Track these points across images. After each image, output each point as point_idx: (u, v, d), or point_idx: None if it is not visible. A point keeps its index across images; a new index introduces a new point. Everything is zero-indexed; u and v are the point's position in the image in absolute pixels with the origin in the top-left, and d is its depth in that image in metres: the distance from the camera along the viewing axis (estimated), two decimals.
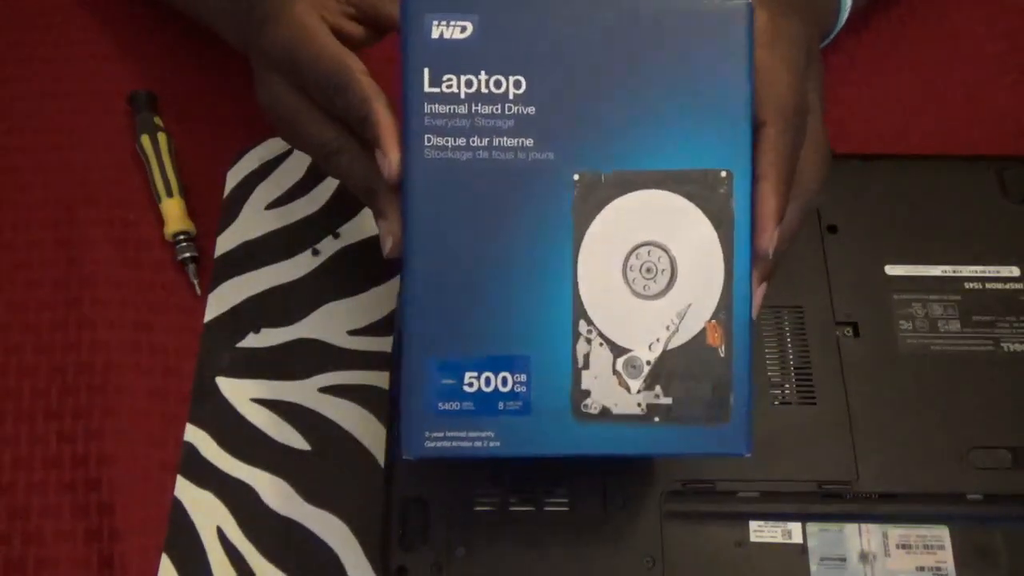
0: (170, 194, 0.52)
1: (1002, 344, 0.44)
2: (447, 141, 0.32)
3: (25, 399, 0.48)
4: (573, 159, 0.33)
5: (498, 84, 0.32)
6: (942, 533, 0.41)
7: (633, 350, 0.33)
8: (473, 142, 0.33)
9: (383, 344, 0.49)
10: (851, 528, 0.41)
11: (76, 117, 0.55)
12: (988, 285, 0.45)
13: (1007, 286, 0.45)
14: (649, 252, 0.33)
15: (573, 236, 0.33)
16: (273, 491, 0.46)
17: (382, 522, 0.41)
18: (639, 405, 0.33)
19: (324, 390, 0.48)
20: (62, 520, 0.46)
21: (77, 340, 0.49)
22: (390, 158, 0.33)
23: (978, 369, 0.43)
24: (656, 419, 0.33)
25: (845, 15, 0.47)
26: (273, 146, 0.54)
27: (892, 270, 0.46)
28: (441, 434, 0.33)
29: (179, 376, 0.48)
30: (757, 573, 0.40)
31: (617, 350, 0.33)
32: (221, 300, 0.50)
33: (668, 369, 0.33)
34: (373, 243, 0.51)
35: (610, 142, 0.33)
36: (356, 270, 0.50)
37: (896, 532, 0.41)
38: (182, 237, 0.51)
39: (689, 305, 0.33)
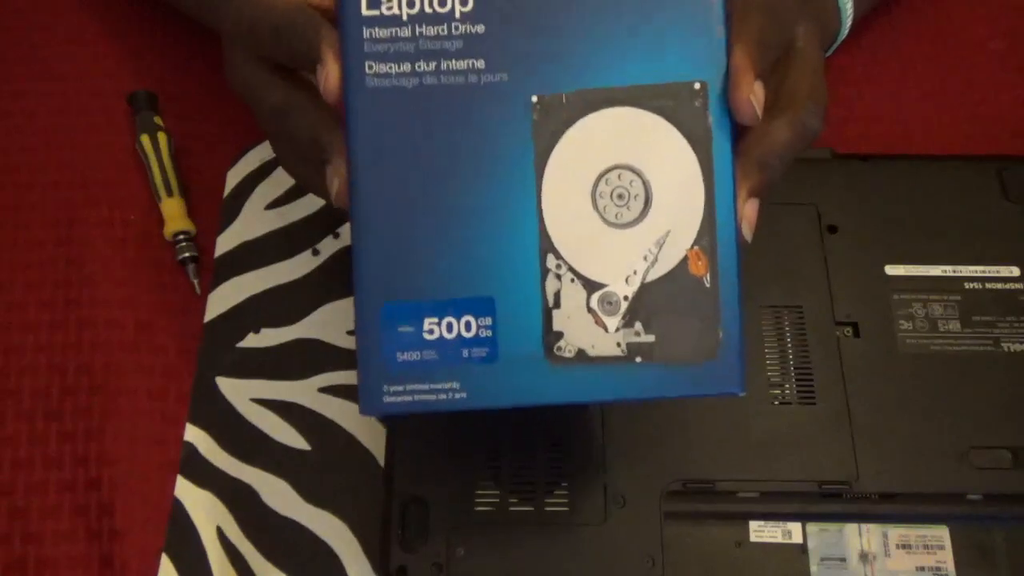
0: (170, 194, 0.52)
1: (1002, 344, 0.44)
2: (390, 68, 0.30)
3: (25, 399, 0.48)
4: (530, 80, 0.30)
5: (443, 2, 0.30)
6: (942, 533, 0.41)
7: (608, 284, 0.30)
8: (419, 67, 0.30)
9: None
10: (851, 528, 0.41)
11: (76, 117, 0.55)
12: (988, 285, 0.45)
13: (1007, 286, 0.45)
14: (620, 176, 0.30)
15: (535, 164, 0.30)
16: (273, 491, 0.46)
17: (382, 522, 0.41)
18: (618, 345, 0.30)
19: (324, 390, 0.48)
20: (62, 520, 0.46)
21: (77, 340, 0.49)
22: (327, 68, 0.30)
23: (978, 369, 0.43)
24: (638, 359, 0.30)
25: (846, 32, 0.47)
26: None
27: (892, 270, 0.46)
28: (401, 387, 0.30)
29: (179, 376, 0.48)
30: (757, 573, 0.40)
31: (591, 285, 0.30)
32: (221, 300, 0.50)
33: (648, 304, 0.30)
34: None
35: (570, 58, 0.30)
36: None
37: (896, 532, 0.41)
38: (182, 237, 0.51)
39: (668, 232, 0.30)
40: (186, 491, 0.46)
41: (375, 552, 0.43)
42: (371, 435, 0.47)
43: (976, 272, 0.45)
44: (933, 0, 0.57)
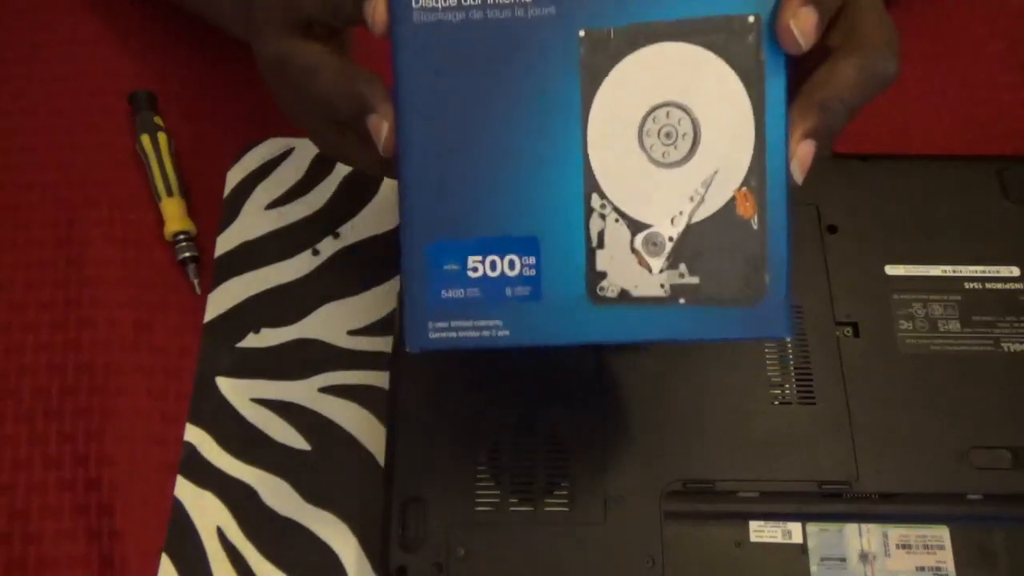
0: (170, 194, 0.52)
1: (1002, 344, 0.44)
2: (436, 3, 0.30)
3: (25, 399, 0.48)
4: (577, 14, 0.29)
5: None
6: (942, 533, 0.41)
7: (653, 225, 0.30)
8: (465, 1, 0.30)
9: (383, 344, 0.49)
10: (851, 528, 0.41)
11: (76, 117, 0.55)
12: (988, 285, 0.45)
13: (1007, 286, 0.45)
14: (668, 114, 0.29)
15: (581, 101, 0.30)
16: (273, 491, 0.46)
17: (382, 522, 0.41)
18: (662, 286, 0.30)
19: (324, 390, 0.48)
20: (62, 520, 0.46)
21: (77, 340, 0.49)
22: (375, 2, 0.30)
23: (978, 369, 0.43)
24: (681, 300, 0.30)
25: None
26: (273, 146, 0.54)
27: (892, 270, 0.46)
28: (446, 323, 0.30)
29: (179, 376, 0.48)
30: (757, 573, 0.40)
31: (635, 226, 0.30)
32: (221, 300, 0.50)
33: (693, 245, 0.30)
34: (373, 243, 0.51)
35: None
36: (356, 270, 0.50)
37: (896, 532, 0.41)
38: (182, 237, 0.51)
39: (715, 172, 0.29)
40: (186, 491, 0.46)
41: (375, 552, 0.43)
42: (371, 435, 0.47)
43: (976, 272, 0.45)
44: (933, 0, 0.57)
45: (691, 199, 0.30)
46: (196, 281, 0.50)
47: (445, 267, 0.30)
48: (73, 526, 0.45)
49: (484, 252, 0.30)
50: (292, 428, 0.47)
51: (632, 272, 0.30)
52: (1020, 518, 0.41)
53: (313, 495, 0.45)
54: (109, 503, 0.45)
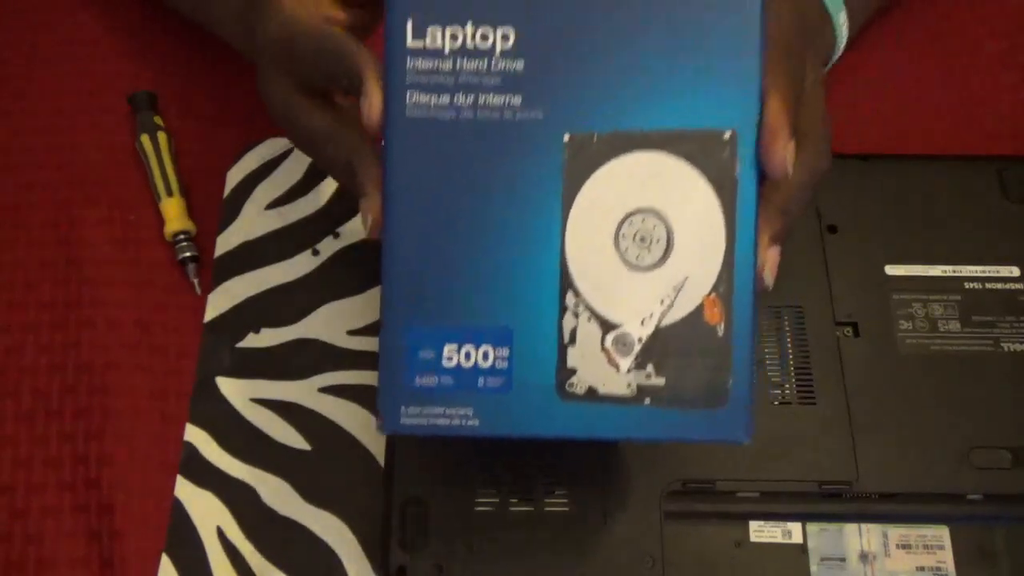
0: (170, 194, 0.52)
1: (1002, 344, 0.44)
2: (430, 99, 0.31)
3: (25, 399, 0.48)
4: (563, 118, 0.30)
5: (485, 37, 0.30)
6: (942, 533, 0.41)
7: (623, 325, 0.31)
8: (457, 100, 0.31)
9: None
10: (851, 528, 0.41)
11: (76, 117, 0.55)
12: (988, 285, 0.45)
13: (1007, 286, 0.45)
14: (644, 220, 0.31)
15: (562, 201, 0.31)
16: (273, 491, 0.46)
17: (382, 522, 0.41)
18: (629, 386, 0.31)
19: (324, 390, 0.48)
20: (62, 520, 0.46)
21: (77, 340, 0.49)
22: (371, 100, 0.31)
23: (978, 369, 0.43)
24: (647, 401, 0.31)
25: (839, 54, 0.47)
26: (273, 146, 0.54)
27: (892, 270, 0.46)
28: (418, 410, 0.31)
29: (179, 376, 0.48)
30: (757, 573, 0.40)
31: (606, 325, 0.31)
32: (221, 300, 0.50)
33: (661, 347, 0.31)
34: (372, 243, 0.51)
35: (604, 100, 0.30)
36: (356, 270, 0.50)
37: (896, 532, 0.41)
38: (182, 237, 0.51)
39: (686, 278, 0.31)
40: (186, 491, 0.46)
41: (375, 552, 0.43)
42: (371, 435, 0.47)
43: (976, 272, 0.45)
44: (933, 1, 0.57)
45: (662, 302, 0.31)
46: (196, 281, 0.50)
47: (421, 354, 0.31)
48: (73, 526, 0.45)
49: (460, 341, 0.31)
50: (292, 428, 0.47)
51: (601, 370, 0.31)
52: (1020, 518, 0.41)
53: (313, 495, 0.45)
54: (109, 503, 0.45)
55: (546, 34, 0.30)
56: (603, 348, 0.31)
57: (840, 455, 0.42)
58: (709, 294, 0.31)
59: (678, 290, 0.31)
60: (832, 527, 0.41)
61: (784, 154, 0.30)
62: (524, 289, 0.31)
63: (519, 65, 0.31)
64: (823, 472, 0.41)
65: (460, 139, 0.31)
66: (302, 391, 0.48)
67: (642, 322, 0.31)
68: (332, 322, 0.49)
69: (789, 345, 0.44)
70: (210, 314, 0.50)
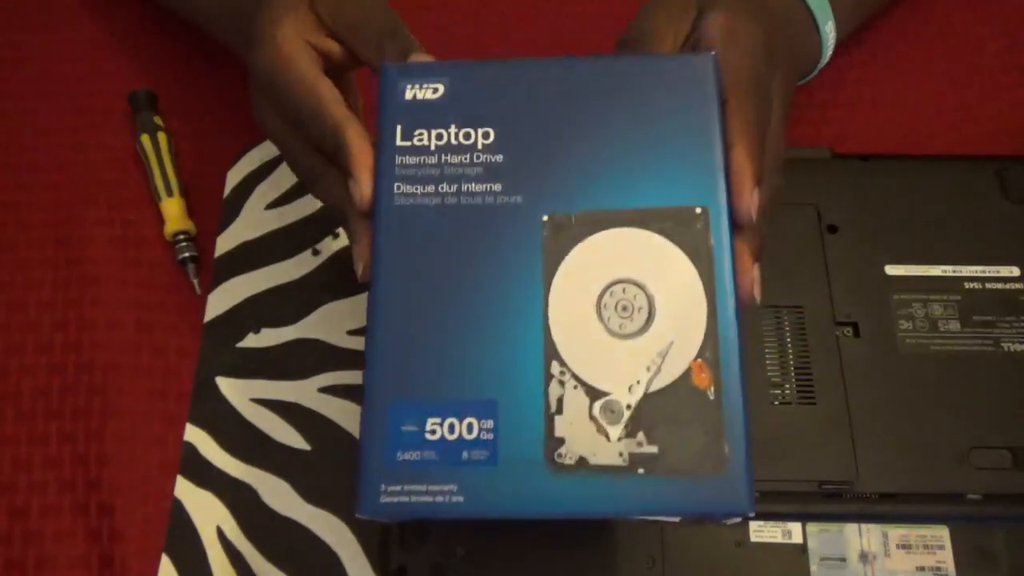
0: (170, 194, 0.52)
1: (1002, 344, 0.44)
2: (416, 189, 0.33)
3: (25, 399, 0.48)
4: (542, 201, 0.32)
5: (467, 136, 0.33)
6: (942, 533, 0.41)
7: (611, 393, 0.30)
8: (442, 188, 0.33)
9: None
10: (851, 528, 0.41)
11: (76, 117, 0.55)
12: (988, 285, 0.45)
13: (1007, 286, 0.45)
14: (624, 289, 0.31)
15: (543, 275, 0.32)
16: (273, 491, 0.46)
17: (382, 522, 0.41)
18: (620, 454, 0.30)
19: (324, 390, 0.48)
20: (62, 520, 0.46)
21: (77, 340, 0.49)
22: (361, 187, 0.34)
23: (978, 369, 0.43)
24: (640, 470, 0.30)
25: (827, 59, 0.47)
26: (273, 146, 0.54)
27: (892, 270, 0.46)
28: (399, 487, 0.30)
29: (179, 376, 0.48)
30: (757, 573, 0.40)
31: (593, 393, 0.31)
32: (221, 300, 0.50)
33: (651, 414, 0.30)
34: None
35: (580, 185, 0.32)
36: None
37: (896, 532, 0.41)
38: (182, 237, 0.51)
39: (671, 343, 0.31)
40: (186, 491, 0.46)
41: (375, 552, 0.43)
42: None
43: (976, 272, 0.45)
44: (933, 0, 0.57)
45: (648, 368, 0.31)
46: (196, 281, 0.50)
47: (403, 428, 0.31)
48: (73, 526, 0.45)
49: (443, 414, 0.31)
50: (292, 428, 0.47)
51: (590, 439, 0.30)
52: (1020, 518, 0.41)
53: (313, 495, 0.45)
54: (109, 503, 0.45)
55: (523, 131, 0.33)
56: (591, 416, 0.30)
57: (840, 455, 0.42)
58: (696, 358, 0.31)
59: (663, 355, 0.31)
60: (832, 527, 0.41)
61: (749, 203, 0.32)
62: (508, 361, 0.31)
63: (499, 158, 0.33)
64: (823, 472, 0.41)
65: (445, 222, 0.33)
66: (302, 391, 0.48)
67: (630, 389, 0.30)
68: (332, 322, 0.49)
69: (789, 345, 0.44)
70: (210, 314, 0.50)
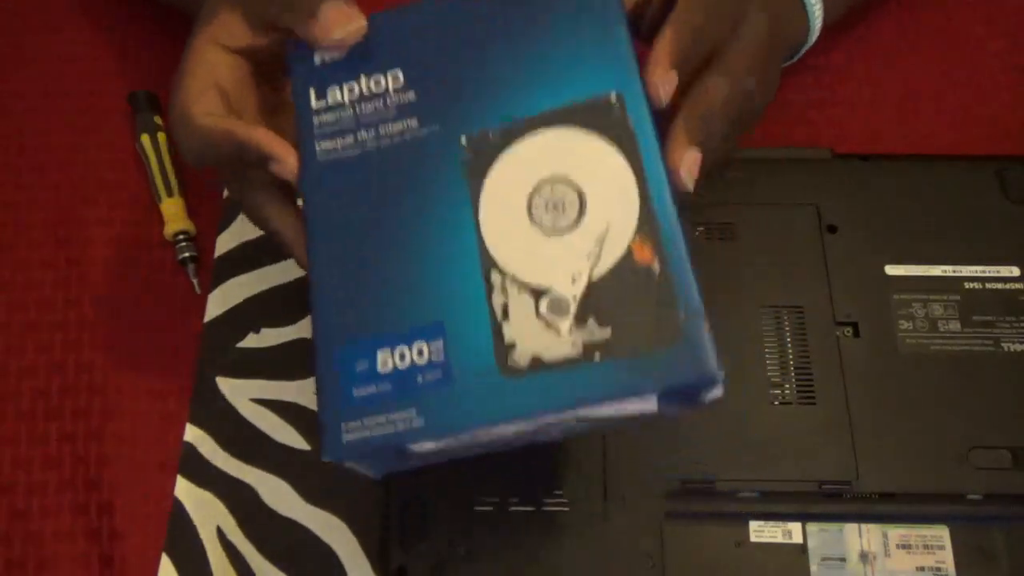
0: (170, 194, 0.52)
1: (1002, 344, 0.44)
2: (337, 143, 0.34)
3: (25, 399, 0.48)
4: (458, 125, 0.33)
5: (378, 83, 0.35)
6: (942, 533, 0.41)
7: (554, 288, 0.30)
8: (360, 136, 0.34)
9: None
10: (851, 528, 0.41)
11: (76, 117, 0.55)
12: (988, 285, 0.45)
13: (1007, 286, 0.45)
14: (552, 188, 0.32)
15: (470, 194, 0.32)
16: (273, 491, 0.46)
17: (382, 522, 0.41)
18: (574, 344, 0.30)
19: None
20: (62, 520, 0.46)
21: (77, 340, 0.49)
22: (286, 162, 0.35)
23: (978, 369, 0.43)
24: (596, 356, 0.29)
25: (815, 33, 0.47)
26: None
27: (892, 270, 0.46)
28: (358, 422, 0.30)
29: (179, 376, 0.48)
30: (757, 573, 0.40)
31: (537, 292, 0.30)
32: (221, 300, 0.50)
33: (599, 299, 0.30)
34: None
35: (492, 101, 0.33)
36: None
37: (896, 532, 0.41)
38: (182, 237, 0.51)
39: (607, 228, 0.31)
40: (186, 491, 0.46)
41: (375, 552, 0.43)
42: None
43: (976, 272, 0.45)
44: (933, 1, 0.57)
45: (588, 257, 0.31)
46: (196, 281, 0.50)
47: (355, 366, 0.31)
48: (73, 526, 0.45)
49: (392, 344, 0.31)
50: (292, 428, 0.47)
51: (541, 337, 0.30)
52: (1020, 518, 0.41)
53: (313, 495, 0.45)
54: (109, 503, 0.45)
55: (430, 65, 0.34)
56: (539, 315, 0.30)
57: (840, 455, 0.42)
58: (634, 238, 0.30)
59: (601, 242, 0.31)
60: (832, 527, 0.41)
61: (659, 82, 0.32)
62: (448, 282, 0.31)
63: (411, 95, 0.34)
64: (823, 472, 0.41)
65: (369, 168, 0.34)
66: (302, 391, 0.48)
67: (572, 280, 0.30)
68: None
69: (789, 345, 0.44)
70: (210, 314, 0.50)
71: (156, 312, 0.50)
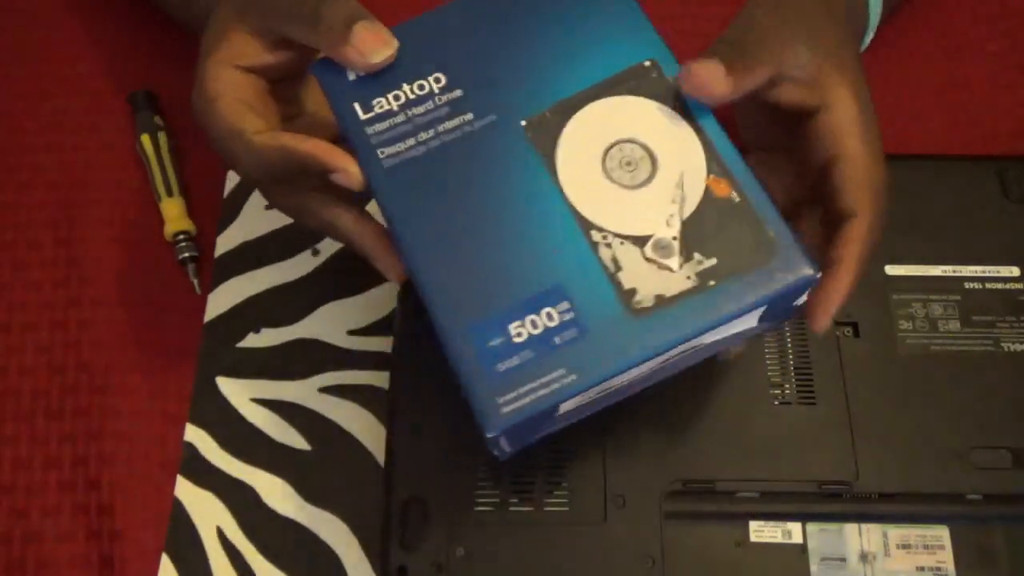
0: (170, 194, 0.52)
1: (1002, 344, 0.44)
2: (398, 147, 0.35)
3: (25, 399, 0.48)
4: (514, 112, 0.35)
5: (421, 87, 0.36)
6: (942, 533, 0.41)
7: (654, 233, 0.34)
8: (421, 137, 0.36)
9: (383, 344, 0.49)
10: (851, 528, 0.41)
11: (76, 117, 0.55)
12: (988, 285, 0.45)
13: (1007, 286, 0.45)
14: (620, 149, 0.35)
15: (546, 168, 0.35)
16: (273, 491, 0.46)
17: (382, 522, 0.41)
18: (688, 278, 0.33)
19: (324, 390, 0.48)
20: (62, 520, 0.46)
21: (77, 340, 0.49)
22: (349, 172, 0.35)
23: (978, 369, 0.43)
24: (711, 282, 0.33)
25: (870, 38, 0.47)
26: None
27: (892, 270, 0.46)
28: (513, 394, 0.32)
29: (179, 376, 0.48)
30: (757, 573, 0.40)
31: (639, 240, 0.34)
32: (221, 300, 0.50)
33: (696, 234, 0.33)
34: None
35: (539, 85, 0.36)
36: (356, 270, 0.50)
37: (896, 532, 0.41)
38: (182, 237, 0.51)
39: (682, 173, 0.34)
40: (186, 491, 0.46)
41: (375, 552, 0.43)
42: (371, 435, 0.47)
43: (976, 272, 0.45)
44: (933, 1, 0.57)
45: (674, 201, 0.34)
46: (196, 281, 0.50)
47: (490, 345, 0.33)
48: (73, 526, 0.45)
49: (520, 316, 0.33)
50: (292, 428, 0.47)
51: (657, 278, 0.33)
52: (1020, 518, 0.41)
53: (313, 495, 0.45)
54: (109, 503, 0.46)
55: (470, 63, 0.36)
56: (647, 259, 0.33)
57: (840, 455, 0.42)
58: (708, 177, 0.34)
59: (681, 186, 0.34)
60: (832, 527, 0.41)
61: (823, 323, 0.35)
62: (553, 248, 0.34)
63: (459, 93, 0.36)
64: (823, 472, 0.41)
65: (438, 164, 0.35)
66: (302, 391, 0.48)
67: (667, 223, 0.34)
68: (332, 322, 0.49)
69: (789, 345, 0.44)
70: (210, 314, 0.50)
71: (156, 312, 0.50)
